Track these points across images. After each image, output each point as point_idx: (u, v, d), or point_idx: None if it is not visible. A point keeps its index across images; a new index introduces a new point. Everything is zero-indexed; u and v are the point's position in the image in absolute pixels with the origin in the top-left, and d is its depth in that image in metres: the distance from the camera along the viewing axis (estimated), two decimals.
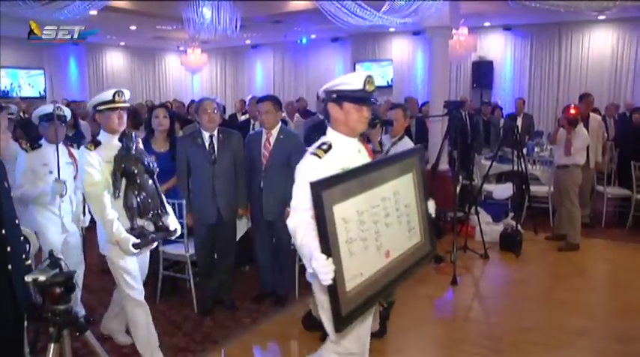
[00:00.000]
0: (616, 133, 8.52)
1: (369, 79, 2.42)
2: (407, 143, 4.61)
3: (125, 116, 3.47)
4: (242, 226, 4.78)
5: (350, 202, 2.11)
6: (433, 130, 7.54)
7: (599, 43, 12.10)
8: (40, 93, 14.23)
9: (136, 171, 3.37)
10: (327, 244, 1.98)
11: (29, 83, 14.10)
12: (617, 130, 8.58)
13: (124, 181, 3.37)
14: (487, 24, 12.79)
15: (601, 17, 11.48)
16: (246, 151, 4.50)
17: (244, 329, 4.22)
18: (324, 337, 3.87)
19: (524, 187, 6.87)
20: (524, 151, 7.37)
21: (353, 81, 2.43)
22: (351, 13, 8.37)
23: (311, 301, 4.13)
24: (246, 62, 17.21)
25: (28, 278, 2.21)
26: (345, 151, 2.46)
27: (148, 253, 3.74)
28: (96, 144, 3.37)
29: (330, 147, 2.41)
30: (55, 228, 3.95)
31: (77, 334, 2.35)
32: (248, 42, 16.22)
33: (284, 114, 7.11)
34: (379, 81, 14.32)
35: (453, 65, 12.29)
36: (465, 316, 4.65)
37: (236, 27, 9.57)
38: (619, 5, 9.57)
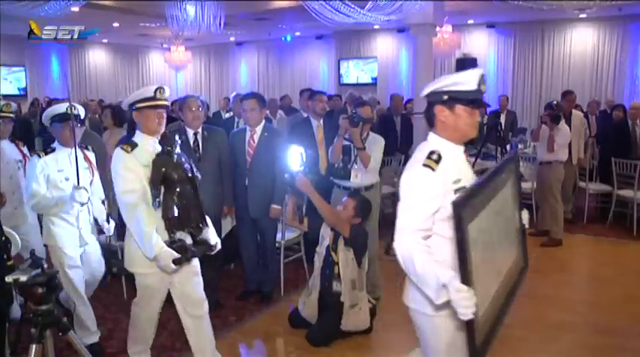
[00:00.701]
0: (597, 129, 8.62)
1: (482, 79, 2.16)
2: (375, 138, 4.57)
3: (165, 116, 3.13)
4: (227, 224, 4.76)
5: (477, 221, 1.86)
6: (418, 127, 7.56)
7: (581, 41, 12.27)
8: (20, 90, 14.05)
9: (176, 177, 2.99)
10: (467, 272, 1.76)
11: (9, 80, 13.92)
12: (599, 126, 8.67)
13: (162, 189, 3.00)
14: (471, 21, 12.88)
15: (582, 16, 11.63)
16: (230, 149, 4.48)
17: (230, 327, 4.21)
18: (310, 334, 3.92)
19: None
20: (508, 147, 7.43)
21: (468, 80, 2.13)
22: (336, 11, 8.37)
23: (300, 299, 4.13)
24: (230, 60, 17.15)
25: (9, 279, 2.18)
26: (454, 161, 2.20)
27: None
28: (132, 146, 2.99)
29: (440, 157, 2.10)
30: (72, 240, 3.61)
31: (60, 334, 2.32)
32: (232, 39, 16.17)
33: (267, 111, 7.10)
34: (364, 78, 14.39)
35: (437, 62, 12.38)
36: None
37: (220, 24, 9.51)
38: (599, 4, 9.71)
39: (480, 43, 13.16)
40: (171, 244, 2.92)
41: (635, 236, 6.62)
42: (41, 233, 3.76)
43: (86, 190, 3.43)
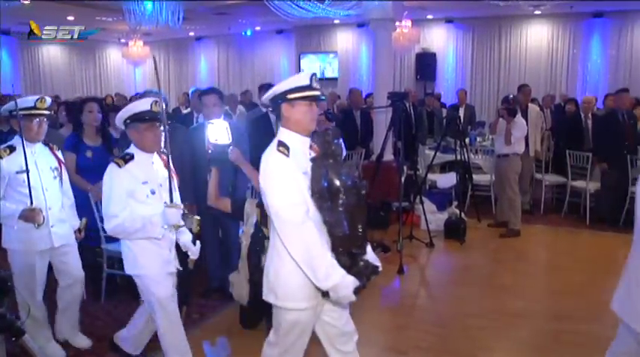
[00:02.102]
0: (553, 122, 8.85)
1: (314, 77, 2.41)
2: None
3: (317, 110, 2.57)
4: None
5: None
6: (378, 122, 7.62)
7: (536, 36, 12.57)
8: None
9: (339, 185, 2.40)
10: None
11: None
12: (554, 120, 8.91)
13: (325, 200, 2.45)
14: (430, 17, 13.03)
15: (537, 12, 11.93)
16: (190, 145, 4.42)
17: (193, 325, 4.16)
18: (243, 316, 3.92)
19: (467, 176, 7.05)
20: (467, 141, 7.57)
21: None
22: (295, 5, 8.35)
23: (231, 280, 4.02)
24: (189, 55, 16.92)
25: None
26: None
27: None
28: (286, 147, 2.40)
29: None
30: (162, 268, 3.12)
31: (13, 339, 2.24)
32: (192, 34, 15.94)
33: (227, 107, 7.05)
34: (326, 72, 14.40)
35: (397, 57, 12.49)
36: (412, 303, 4.75)
37: (178, 19, 9.38)
38: (552, 2, 9.98)
39: (439, 38, 13.33)
40: (349, 269, 2.37)
41: (588, 225, 6.85)
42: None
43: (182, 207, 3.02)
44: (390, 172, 6.70)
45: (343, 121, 7.31)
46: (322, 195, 2.37)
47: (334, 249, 2.37)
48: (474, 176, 7.35)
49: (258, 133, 4.79)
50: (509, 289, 4.93)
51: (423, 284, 5.29)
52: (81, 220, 3.76)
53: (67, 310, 3.73)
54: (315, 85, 2.44)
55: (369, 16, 8.08)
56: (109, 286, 4.65)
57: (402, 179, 6.04)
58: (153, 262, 3.09)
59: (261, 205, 3.41)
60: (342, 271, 2.31)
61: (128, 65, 16.84)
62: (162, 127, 3.10)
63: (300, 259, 2.33)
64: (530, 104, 7.37)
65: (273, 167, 2.37)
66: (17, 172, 3.28)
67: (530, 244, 6.36)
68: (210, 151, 3.42)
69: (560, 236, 6.69)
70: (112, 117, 4.48)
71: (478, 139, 8.59)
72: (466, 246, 6.14)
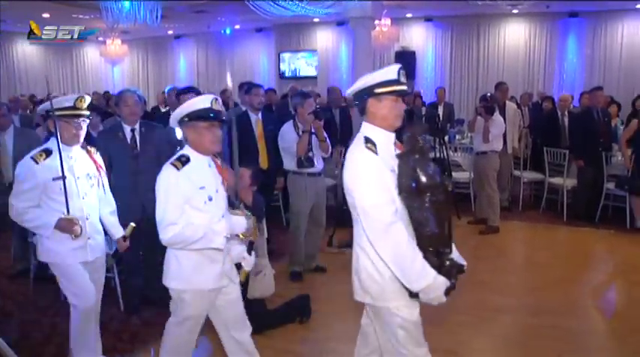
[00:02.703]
0: (530, 120, 8.95)
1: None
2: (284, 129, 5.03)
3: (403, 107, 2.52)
4: None
5: None
6: (357, 120, 7.63)
7: (514, 35, 12.72)
8: None
9: (427, 182, 2.30)
10: None
11: None
12: (531, 117, 9.01)
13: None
14: (409, 15, 13.09)
15: (514, 11, 12.06)
16: (168, 145, 4.38)
17: None
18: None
19: (446, 173, 7.10)
20: (446, 138, 7.63)
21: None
22: (274, 4, 8.33)
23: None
24: (168, 53, 16.77)
25: None
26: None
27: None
28: (373, 144, 2.35)
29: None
30: (209, 284, 2.80)
31: None
32: (170, 32, 15.81)
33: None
34: (304, 71, 14.40)
35: (376, 55, 12.53)
36: None
37: (157, 17, 9.30)
38: (529, 1, 10.11)
39: (418, 36, 13.40)
40: (437, 269, 2.30)
41: (565, 221, 6.96)
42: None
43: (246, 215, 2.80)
44: None
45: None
46: (410, 193, 2.29)
47: (423, 249, 2.29)
48: (454, 174, 7.41)
49: (238, 132, 4.77)
50: (489, 285, 4.98)
51: None
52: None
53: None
54: (402, 79, 2.38)
55: (348, 15, 8.11)
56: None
57: None
58: (201, 277, 2.75)
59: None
60: (434, 272, 2.26)
61: (106, 64, 16.65)
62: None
63: (390, 260, 2.26)
64: (507, 102, 7.45)
65: (362, 165, 2.31)
66: (54, 179, 3.03)
67: (509, 241, 6.44)
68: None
69: (538, 232, 6.78)
70: (93, 116, 4.45)
71: (457, 136, 8.66)
72: None
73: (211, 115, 2.70)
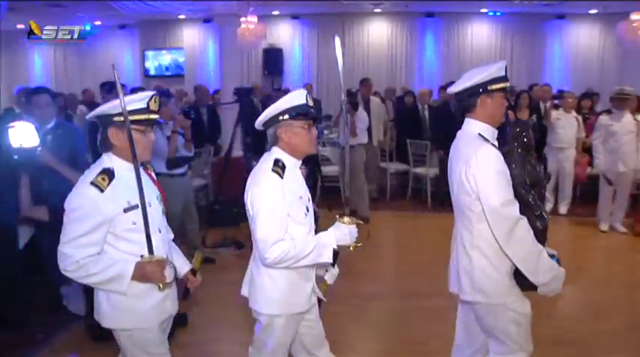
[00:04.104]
0: (394, 114, 9.35)
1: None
2: None
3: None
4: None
5: None
6: (225, 118, 7.51)
7: (377, 33, 13.23)
8: None
9: (538, 177, 2.42)
10: None
11: None
12: (395, 111, 9.42)
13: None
14: (276, 12, 13.12)
15: (377, 10, 12.55)
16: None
17: (38, 346, 3.82)
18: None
19: (316, 168, 7.20)
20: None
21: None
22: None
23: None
24: (20, 51, 15.33)
25: None
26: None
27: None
28: (488, 140, 2.37)
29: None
30: (301, 307, 2.49)
31: None
32: (21, 27, 14.48)
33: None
34: (172, 69, 13.93)
35: (244, 53, 12.41)
36: None
37: (2, 9, 8.46)
38: (389, 1, 10.58)
39: (286, 33, 13.48)
40: None
41: (430, 208, 7.37)
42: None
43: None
44: (239, 168, 6.65)
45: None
46: (525, 188, 2.32)
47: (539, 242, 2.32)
48: (323, 168, 7.55)
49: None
50: (361, 273, 5.12)
51: None
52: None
53: None
54: (506, 75, 2.43)
55: (213, 12, 7.95)
56: None
57: None
58: (295, 299, 2.46)
59: None
60: (556, 264, 2.32)
61: None
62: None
63: (519, 255, 2.27)
64: (372, 97, 7.73)
65: (490, 162, 2.27)
66: (125, 210, 2.21)
67: (379, 230, 6.66)
68: (16, 157, 3.11)
69: (405, 220, 7.11)
70: None
71: (325, 131, 8.83)
72: None
73: (311, 111, 2.43)
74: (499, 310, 2.43)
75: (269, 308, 2.44)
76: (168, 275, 2.23)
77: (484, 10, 12.61)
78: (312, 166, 6.96)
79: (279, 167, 2.31)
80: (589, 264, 5.68)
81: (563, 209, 7.23)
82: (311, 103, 2.44)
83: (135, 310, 2.26)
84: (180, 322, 4.01)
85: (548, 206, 7.24)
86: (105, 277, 2.16)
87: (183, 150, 4.90)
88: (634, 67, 11.71)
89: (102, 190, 2.16)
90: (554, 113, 7.04)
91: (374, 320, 4.22)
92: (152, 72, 13.98)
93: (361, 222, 2.55)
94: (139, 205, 2.18)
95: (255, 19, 11.77)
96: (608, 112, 6.47)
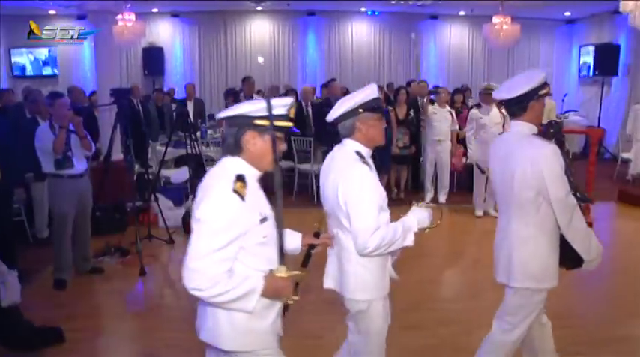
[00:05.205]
0: None
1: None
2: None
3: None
4: None
5: None
6: (102, 120, 7.21)
7: (260, 31, 13.32)
8: None
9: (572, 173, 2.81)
10: None
11: None
12: None
13: None
14: (155, 10, 12.74)
15: (259, 8, 12.57)
16: None
17: None
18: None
19: (200, 169, 7.10)
20: (198, 134, 7.63)
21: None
22: None
23: None
24: None
25: None
26: None
27: None
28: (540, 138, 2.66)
29: None
30: (388, 287, 2.64)
31: None
32: None
33: None
34: (45, 69, 13.07)
35: (122, 52, 11.97)
36: (158, 303, 4.66)
37: None
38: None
39: (166, 32, 13.14)
40: None
41: (315, 204, 7.52)
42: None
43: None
44: (120, 172, 6.45)
45: None
46: (569, 178, 2.65)
47: None
48: (208, 168, 7.44)
49: None
50: None
51: (167, 282, 5.21)
52: None
53: None
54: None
55: (86, 8, 7.59)
56: None
57: (135, 178, 5.85)
58: (383, 282, 2.60)
59: None
60: (597, 241, 2.68)
61: None
62: None
63: (577, 236, 2.62)
64: (255, 95, 7.77)
65: (556, 160, 2.55)
66: (261, 220, 2.07)
67: None
68: None
69: (291, 217, 7.10)
70: None
71: (209, 132, 8.73)
72: None
73: (379, 106, 2.52)
74: (539, 293, 2.76)
75: (366, 294, 2.55)
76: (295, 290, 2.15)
77: (363, 10, 13.09)
78: (196, 166, 6.88)
79: (361, 156, 2.44)
80: (465, 248, 6.12)
81: (442, 198, 7.70)
82: (381, 97, 2.61)
83: (255, 330, 2.13)
84: (53, 338, 3.80)
85: (429, 196, 7.70)
86: (237, 293, 1.97)
87: (79, 149, 4.78)
88: (499, 64, 12.73)
89: (243, 199, 1.98)
90: (430, 108, 7.48)
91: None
92: (21, 72, 13.00)
93: (435, 205, 2.74)
94: (267, 218, 2.09)
95: (132, 16, 11.35)
96: (478, 106, 6.99)
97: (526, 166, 2.58)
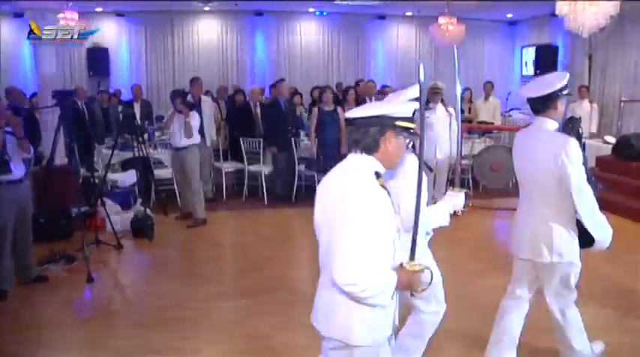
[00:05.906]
0: (227, 113, 9.34)
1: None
2: None
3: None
4: None
5: None
6: (44, 123, 6.97)
7: (208, 31, 13.16)
8: None
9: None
10: None
11: None
12: (228, 110, 9.41)
13: None
14: (99, 9, 12.38)
15: (206, 8, 12.43)
16: None
17: None
18: None
19: (148, 172, 6.99)
20: (145, 136, 7.48)
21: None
22: None
23: None
24: None
25: None
26: None
27: None
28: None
29: None
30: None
31: None
32: None
33: None
34: None
35: (65, 52, 11.56)
36: (107, 310, 4.51)
37: None
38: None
39: (111, 32, 12.78)
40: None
41: (267, 204, 7.54)
42: None
43: None
44: (64, 176, 6.24)
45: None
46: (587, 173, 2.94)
47: None
48: (156, 171, 7.34)
49: None
50: (202, 276, 5.11)
51: (116, 288, 5.07)
52: None
53: None
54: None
55: (25, 6, 7.32)
56: None
57: (80, 182, 5.70)
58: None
59: None
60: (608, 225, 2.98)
61: None
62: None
63: (593, 218, 2.92)
64: (203, 96, 7.68)
65: (578, 152, 2.86)
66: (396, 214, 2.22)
67: (217, 231, 6.68)
68: None
69: (243, 218, 7.19)
70: None
71: (157, 133, 8.58)
72: (156, 242, 6.11)
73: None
74: (569, 266, 3.06)
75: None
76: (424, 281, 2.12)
77: (311, 10, 13.14)
78: (143, 169, 6.76)
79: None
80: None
81: None
82: None
83: (381, 325, 2.13)
84: None
85: None
86: (381, 287, 1.96)
87: (17, 152, 4.55)
88: (445, 64, 13.00)
89: (389, 194, 2.04)
90: None
91: (216, 322, 4.19)
92: None
93: (467, 190, 2.96)
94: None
95: (75, 15, 11.01)
96: (425, 104, 7.11)
97: (549, 157, 2.89)
